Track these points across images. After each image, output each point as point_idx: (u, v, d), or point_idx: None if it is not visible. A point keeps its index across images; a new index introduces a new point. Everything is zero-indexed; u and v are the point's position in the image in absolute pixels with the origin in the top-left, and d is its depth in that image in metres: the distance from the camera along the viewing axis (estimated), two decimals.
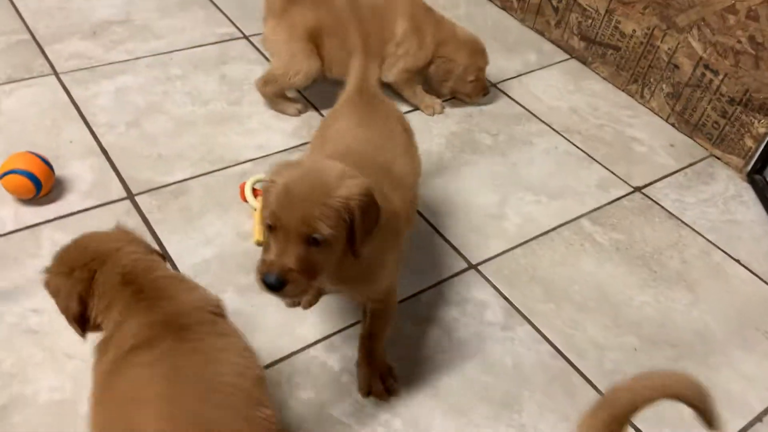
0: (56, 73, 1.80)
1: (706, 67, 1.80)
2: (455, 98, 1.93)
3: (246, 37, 2.07)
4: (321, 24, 1.70)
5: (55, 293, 0.92)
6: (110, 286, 0.91)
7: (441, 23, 1.84)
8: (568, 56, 2.19)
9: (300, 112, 1.80)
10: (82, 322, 0.92)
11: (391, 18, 1.78)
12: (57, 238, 1.36)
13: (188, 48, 1.98)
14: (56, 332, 1.20)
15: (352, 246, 0.98)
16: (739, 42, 1.71)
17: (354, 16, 1.29)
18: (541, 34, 2.26)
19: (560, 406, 1.23)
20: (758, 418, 1.26)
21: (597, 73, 2.12)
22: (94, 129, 1.66)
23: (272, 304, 1.31)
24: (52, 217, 1.42)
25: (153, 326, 0.87)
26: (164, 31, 2.03)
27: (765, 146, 1.73)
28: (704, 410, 0.77)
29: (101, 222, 1.41)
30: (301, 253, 0.93)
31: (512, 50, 2.20)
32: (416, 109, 1.90)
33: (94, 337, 0.92)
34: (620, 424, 0.77)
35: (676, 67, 1.88)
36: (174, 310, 0.90)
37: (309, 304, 1.33)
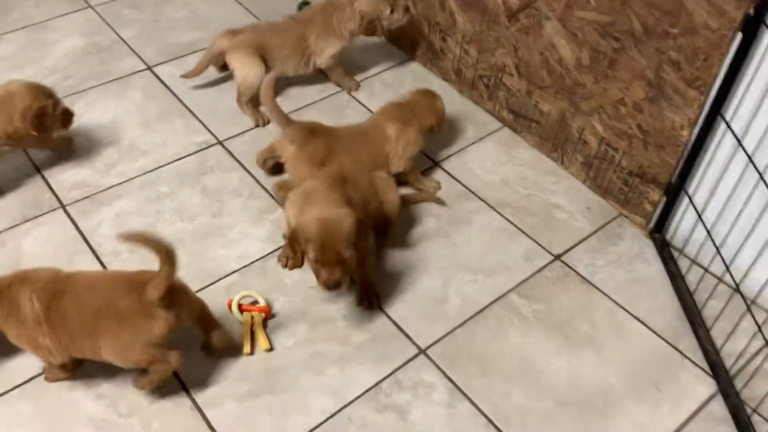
0: (63, 206, 2.13)
1: (608, 145, 2.14)
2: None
3: (220, 143, 2.39)
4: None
5: None
6: None
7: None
8: (501, 125, 2.51)
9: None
10: None
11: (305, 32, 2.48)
12: (86, 369, 1.71)
13: (172, 162, 2.30)
14: None
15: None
16: (630, 128, 2.04)
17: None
18: (477, 104, 2.58)
19: None
20: None
21: (525, 141, 2.45)
22: (102, 259, 1.99)
23: (266, 408, 1.67)
24: None
25: None
26: (149, 147, 2.34)
27: (661, 211, 2.08)
28: None
29: None
30: (339, 270, 1.69)
31: (453, 121, 2.51)
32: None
33: None
34: None
35: (585, 142, 2.21)
36: None
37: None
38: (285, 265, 1.99)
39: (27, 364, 1.70)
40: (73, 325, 1.55)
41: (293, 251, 1.75)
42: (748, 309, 1.71)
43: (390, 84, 2.64)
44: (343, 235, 1.67)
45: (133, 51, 2.73)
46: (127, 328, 1.53)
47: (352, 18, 2.45)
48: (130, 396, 1.67)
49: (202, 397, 1.68)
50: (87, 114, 2.43)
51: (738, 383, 1.74)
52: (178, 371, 1.69)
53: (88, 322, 1.54)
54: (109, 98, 2.49)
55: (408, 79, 2.69)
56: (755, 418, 1.68)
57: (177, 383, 1.70)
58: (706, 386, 1.78)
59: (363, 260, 1.84)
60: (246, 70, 2.40)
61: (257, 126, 2.44)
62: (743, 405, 1.69)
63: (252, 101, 2.44)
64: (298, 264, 1.77)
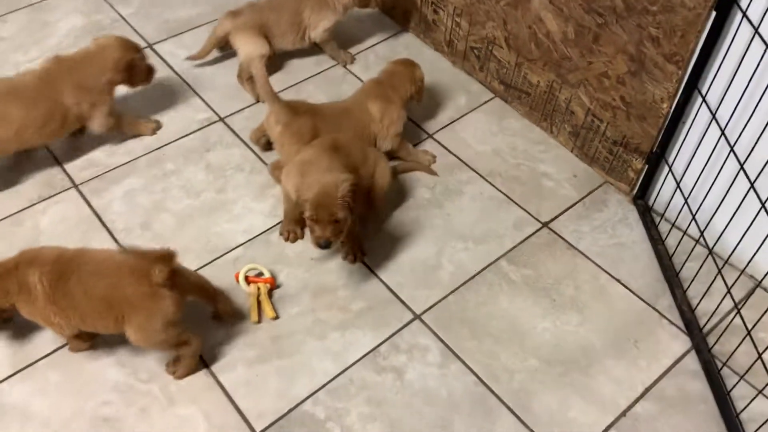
0: (75, 186, 2.24)
1: (594, 115, 2.22)
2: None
3: (222, 120, 2.48)
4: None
5: None
6: None
7: None
8: (492, 95, 2.59)
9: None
10: None
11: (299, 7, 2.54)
12: (108, 338, 1.86)
13: (176, 139, 2.40)
14: (123, 418, 1.72)
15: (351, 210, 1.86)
16: (614, 100, 2.12)
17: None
18: (469, 74, 2.65)
19: (479, 423, 1.75)
20: (623, 414, 1.79)
21: (516, 111, 2.53)
22: (116, 235, 2.12)
23: (273, 371, 1.82)
24: None
25: None
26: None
27: (643, 178, 2.18)
28: None
29: None
30: (332, 229, 1.82)
31: (446, 92, 2.60)
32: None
33: None
34: None
35: (572, 113, 2.30)
36: None
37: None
38: (287, 239, 2.11)
39: (52, 336, 1.85)
40: (82, 307, 1.66)
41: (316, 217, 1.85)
42: (719, 272, 1.83)
43: (384, 56, 2.70)
44: (339, 197, 1.79)
45: (133, 29, 2.79)
46: (140, 314, 1.65)
47: None
48: (149, 363, 1.82)
49: (215, 363, 1.83)
50: None
51: (710, 340, 1.88)
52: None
53: (98, 306, 1.66)
54: None
55: (401, 50, 2.75)
56: (725, 371, 1.82)
57: None
58: (681, 343, 1.92)
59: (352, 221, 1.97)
60: (249, 48, 2.47)
61: (257, 102, 2.52)
62: (714, 360, 1.83)
63: (252, 78, 2.52)
64: (300, 236, 1.94)
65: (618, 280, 2.06)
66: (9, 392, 1.75)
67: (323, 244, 1.83)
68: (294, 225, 2.11)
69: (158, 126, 2.43)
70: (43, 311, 1.68)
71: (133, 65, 2.23)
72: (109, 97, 2.24)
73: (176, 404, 1.74)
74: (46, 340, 1.85)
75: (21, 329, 1.85)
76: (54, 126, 2.15)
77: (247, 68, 2.50)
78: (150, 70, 2.33)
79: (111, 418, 1.71)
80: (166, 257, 1.63)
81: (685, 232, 2.04)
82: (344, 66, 2.68)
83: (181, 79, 2.60)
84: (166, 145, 2.39)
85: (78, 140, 2.35)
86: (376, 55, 2.73)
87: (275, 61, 2.61)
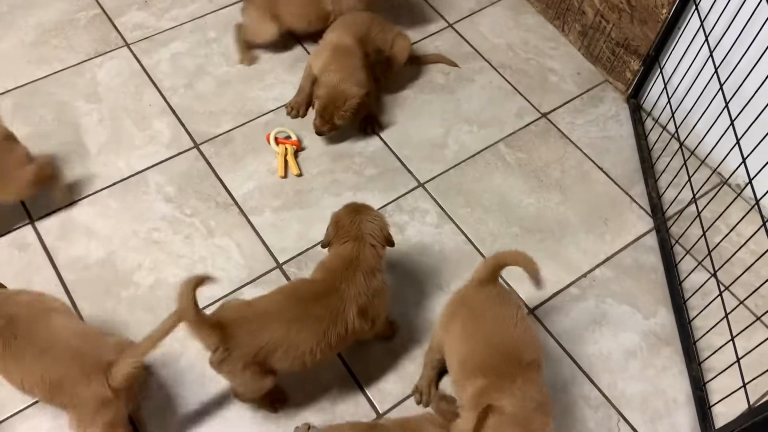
0: (128, 45, 2.50)
1: (602, 17, 2.40)
2: None
3: None
4: None
5: None
6: None
7: None
8: None
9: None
10: None
11: None
12: (158, 180, 2.19)
13: (217, 9, 2.62)
14: (171, 242, 2.08)
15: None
16: (621, 2, 2.30)
17: None
18: None
19: (464, 274, 2.09)
20: (584, 275, 2.12)
21: (533, 7, 2.70)
22: (163, 93, 2.40)
23: (295, 218, 2.15)
24: (151, 164, 2.24)
25: None
26: None
27: (638, 79, 2.39)
28: (532, 270, 1.63)
29: (181, 166, 2.22)
30: (329, 127, 2.19)
31: None
32: None
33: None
34: (496, 270, 1.67)
35: (584, 12, 2.47)
36: None
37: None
38: (288, 113, 2.37)
39: (108, 172, 2.18)
40: (26, 376, 1.55)
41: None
42: (684, 163, 2.09)
43: None
44: (343, 108, 2.13)
45: None
46: (84, 413, 1.54)
47: None
48: (193, 201, 2.16)
49: (246, 205, 2.17)
50: None
51: (670, 224, 2.17)
52: (227, 186, 2.17)
53: (43, 386, 1.54)
54: None
55: None
56: (677, 249, 2.13)
57: (227, 194, 2.18)
58: (645, 224, 2.22)
59: (370, 97, 2.25)
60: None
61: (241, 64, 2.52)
62: (670, 238, 2.14)
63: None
64: (301, 115, 2.33)
65: (600, 168, 2.33)
66: (78, 214, 2.11)
67: (318, 133, 2.23)
68: (302, 100, 2.35)
69: None
70: None
71: None
72: None
73: (214, 236, 2.10)
74: (102, 176, 2.19)
75: (84, 165, 2.19)
76: None
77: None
78: None
79: (160, 241, 2.08)
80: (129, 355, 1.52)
81: (664, 128, 2.29)
82: None
83: None
84: (208, 14, 2.61)
85: (128, 1, 2.59)
86: None
87: None
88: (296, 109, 2.36)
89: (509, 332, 1.58)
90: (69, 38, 2.48)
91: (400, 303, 2.00)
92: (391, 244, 1.76)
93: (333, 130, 2.24)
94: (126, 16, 2.57)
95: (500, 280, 1.76)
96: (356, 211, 1.74)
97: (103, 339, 1.60)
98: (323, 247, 1.78)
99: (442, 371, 1.82)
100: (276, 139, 2.29)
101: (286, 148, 2.27)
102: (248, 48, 2.51)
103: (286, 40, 2.54)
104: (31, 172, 1.95)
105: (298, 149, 2.30)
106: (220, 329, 1.53)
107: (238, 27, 2.51)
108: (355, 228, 1.69)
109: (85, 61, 2.44)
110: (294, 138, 2.30)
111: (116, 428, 1.59)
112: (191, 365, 1.85)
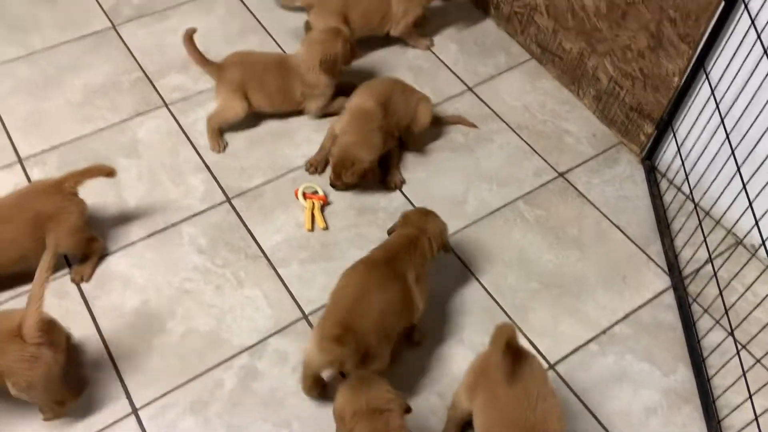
0: (167, 105, 2.65)
1: (616, 83, 2.52)
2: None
3: None
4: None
5: None
6: None
7: None
8: (530, 57, 2.89)
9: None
10: None
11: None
12: (191, 232, 2.30)
13: None
14: (202, 292, 2.17)
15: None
16: (634, 71, 2.42)
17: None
18: (511, 36, 2.95)
19: (485, 326, 2.14)
20: (603, 332, 2.16)
21: (549, 73, 2.84)
22: (199, 150, 2.53)
23: (321, 270, 2.23)
24: (185, 217, 2.35)
25: None
26: None
27: (652, 141, 2.49)
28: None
29: (213, 220, 2.33)
30: (340, 184, 2.36)
31: (488, 52, 2.91)
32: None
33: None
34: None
35: (598, 79, 2.60)
36: None
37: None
38: (307, 168, 2.49)
39: (144, 224, 2.29)
40: None
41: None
42: (700, 224, 2.16)
43: (436, 14, 3.01)
44: (352, 170, 2.29)
45: None
46: (19, 377, 1.71)
47: None
48: (224, 253, 2.25)
49: (274, 257, 2.26)
50: (181, 27, 2.88)
51: (687, 282, 2.22)
52: (257, 239, 2.27)
53: None
54: (200, 14, 2.94)
55: (453, 10, 3.05)
56: (694, 307, 2.17)
57: (256, 246, 2.27)
58: (662, 282, 2.27)
59: (393, 158, 2.47)
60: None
61: None
62: (687, 297, 2.19)
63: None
64: (318, 172, 2.47)
65: (617, 227, 2.40)
66: (116, 263, 2.21)
67: (333, 186, 2.38)
68: (321, 158, 2.48)
69: (432, 44, 2.90)
70: None
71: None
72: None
73: (244, 286, 2.18)
74: (144, 224, 2.30)
75: (122, 217, 2.31)
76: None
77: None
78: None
79: (192, 291, 2.17)
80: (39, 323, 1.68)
81: (679, 189, 2.37)
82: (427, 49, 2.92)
83: (256, 20, 2.96)
84: None
85: (168, 65, 2.76)
86: (432, 13, 3.03)
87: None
88: (315, 166, 2.48)
89: (532, 410, 1.61)
90: (113, 99, 2.65)
91: (422, 354, 2.06)
92: (447, 248, 2.08)
93: (344, 187, 2.36)
94: (166, 78, 2.74)
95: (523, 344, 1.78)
96: (426, 212, 2.06)
97: (5, 313, 1.81)
98: (389, 234, 2.09)
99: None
100: (304, 194, 2.40)
101: (313, 203, 2.38)
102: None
103: None
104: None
105: (325, 204, 2.40)
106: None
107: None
108: (421, 222, 2.01)
109: (127, 120, 2.59)
110: (321, 193, 2.41)
111: (52, 383, 1.77)
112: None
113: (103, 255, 2.21)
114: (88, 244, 2.15)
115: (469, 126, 2.66)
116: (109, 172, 2.13)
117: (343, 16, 2.66)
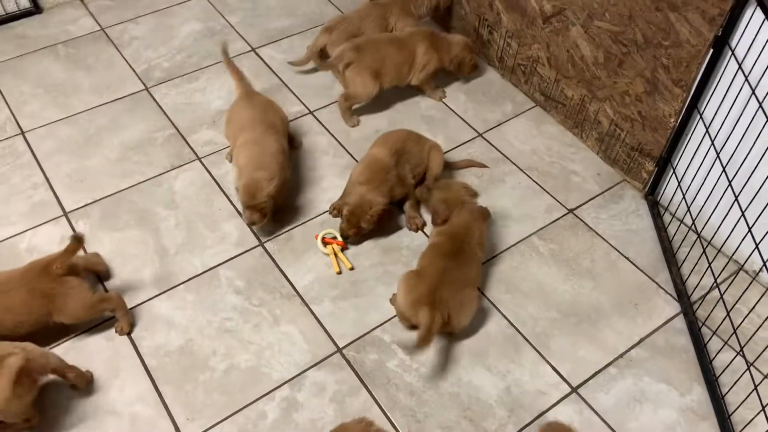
0: (199, 159, 2.84)
1: (616, 125, 2.73)
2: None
3: (311, 113, 3.06)
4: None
5: None
6: None
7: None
8: (534, 104, 3.11)
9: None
10: None
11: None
12: (228, 275, 2.45)
13: None
14: (241, 330, 2.30)
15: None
16: (633, 114, 2.63)
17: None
18: (515, 86, 3.18)
19: (509, 354, 2.28)
20: (621, 356, 2.29)
21: (552, 118, 3.05)
22: (231, 199, 2.70)
23: (352, 306, 2.38)
24: (222, 261, 2.51)
25: None
26: None
27: (653, 178, 2.68)
28: None
29: (248, 263, 2.48)
30: (353, 231, 2.49)
31: (495, 101, 3.13)
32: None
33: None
34: None
35: (599, 122, 2.81)
36: None
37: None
38: (330, 212, 2.66)
39: (184, 269, 2.44)
40: None
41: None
42: (704, 251, 2.32)
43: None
44: (369, 214, 2.44)
45: (240, 35, 3.40)
46: None
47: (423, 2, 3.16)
48: (260, 293, 2.40)
49: (307, 296, 2.40)
50: (209, 87, 3.13)
51: (696, 307, 2.37)
52: (290, 279, 2.42)
53: None
54: (226, 74, 3.16)
55: None
56: (704, 330, 2.31)
57: (290, 286, 2.42)
58: (672, 308, 2.42)
59: (412, 201, 2.64)
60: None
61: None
62: (697, 321, 2.33)
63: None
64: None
65: (626, 258, 2.56)
66: (159, 306, 2.35)
67: (343, 236, 2.52)
68: (342, 205, 2.63)
69: (445, 95, 3.14)
70: None
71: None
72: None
73: (280, 323, 2.32)
74: (183, 269, 2.45)
75: (163, 263, 2.46)
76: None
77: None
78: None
79: (232, 330, 2.30)
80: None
81: (681, 221, 2.54)
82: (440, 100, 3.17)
83: (278, 79, 3.19)
84: None
85: (199, 121, 2.96)
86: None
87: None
88: (338, 210, 2.64)
89: None
90: (148, 154, 2.84)
91: (450, 380, 2.18)
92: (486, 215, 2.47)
93: (357, 234, 2.50)
94: (197, 134, 2.93)
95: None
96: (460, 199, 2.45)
97: None
98: (442, 223, 2.37)
99: None
100: (323, 239, 2.55)
101: (333, 247, 2.53)
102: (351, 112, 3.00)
103: (337, 148, 2.88)
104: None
105: (344, 247, 2.55)
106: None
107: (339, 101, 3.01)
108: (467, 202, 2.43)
109: (163, 173, 2.77)
110: (339, 238, 2.56)
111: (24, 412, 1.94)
112: None
113: (128, 306, 2.35)
114: (101, 306, 2.21)
115: (480, 167, 2.84)
116: (75, 249, 2.15)
117: (378, 71, 2.92)
